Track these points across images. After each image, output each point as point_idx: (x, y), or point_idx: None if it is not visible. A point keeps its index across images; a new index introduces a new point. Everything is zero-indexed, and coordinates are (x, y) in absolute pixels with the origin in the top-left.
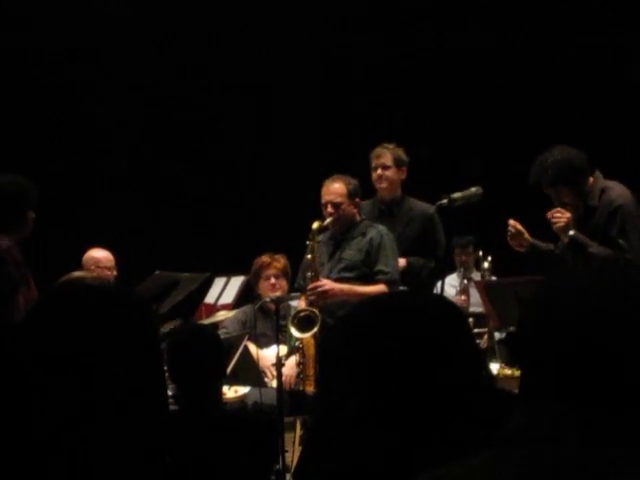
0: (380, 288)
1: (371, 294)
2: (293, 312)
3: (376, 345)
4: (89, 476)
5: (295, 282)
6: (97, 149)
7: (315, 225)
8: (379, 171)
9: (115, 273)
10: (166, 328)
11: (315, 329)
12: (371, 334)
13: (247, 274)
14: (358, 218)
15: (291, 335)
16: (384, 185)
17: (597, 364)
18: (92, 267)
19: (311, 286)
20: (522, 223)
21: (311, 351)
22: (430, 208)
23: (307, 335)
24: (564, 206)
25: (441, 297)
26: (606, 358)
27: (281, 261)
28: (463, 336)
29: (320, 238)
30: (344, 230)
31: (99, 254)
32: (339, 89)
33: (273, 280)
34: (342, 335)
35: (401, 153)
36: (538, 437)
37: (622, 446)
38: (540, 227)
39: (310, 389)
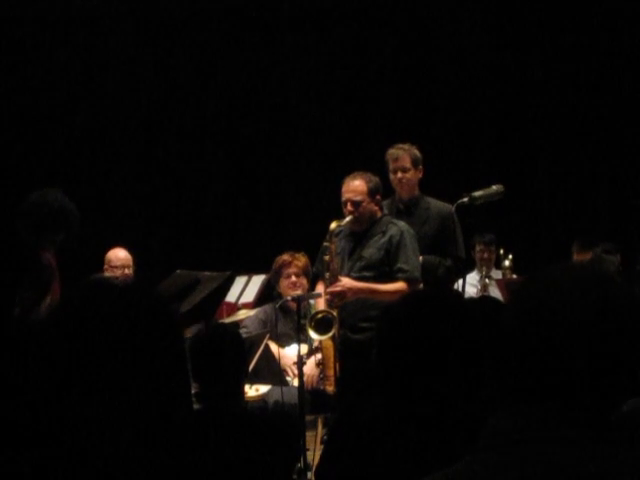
0: (400, 286)
1: (391, 292)
2: (310, 314)
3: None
4: (114, 475)
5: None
6: (117, 147)
7: (333, 225)
8: (399, 174)
9: (132, 273)
10: (189, 332)
11: (333, 331)
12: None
13: (268, 273)
14: (379, 214)
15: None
16: (405, 187)
17: (574, 364)
18: (110, 266)
19: (330, 289)
20: (543, 221)
21: (330, 352)
22: (448, 207)
23: (325, 337)
24: None
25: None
26: (583, 358)
27: (302, 260)
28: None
29: (340, 229)
30: (364, 228)
31: (118, 253)
32: (357, 88)
33: (294, 279)
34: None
35: (416, 152)
36: (522, 439)
37: (606, 443)
38: (559, 225)
39: (330, 389)
